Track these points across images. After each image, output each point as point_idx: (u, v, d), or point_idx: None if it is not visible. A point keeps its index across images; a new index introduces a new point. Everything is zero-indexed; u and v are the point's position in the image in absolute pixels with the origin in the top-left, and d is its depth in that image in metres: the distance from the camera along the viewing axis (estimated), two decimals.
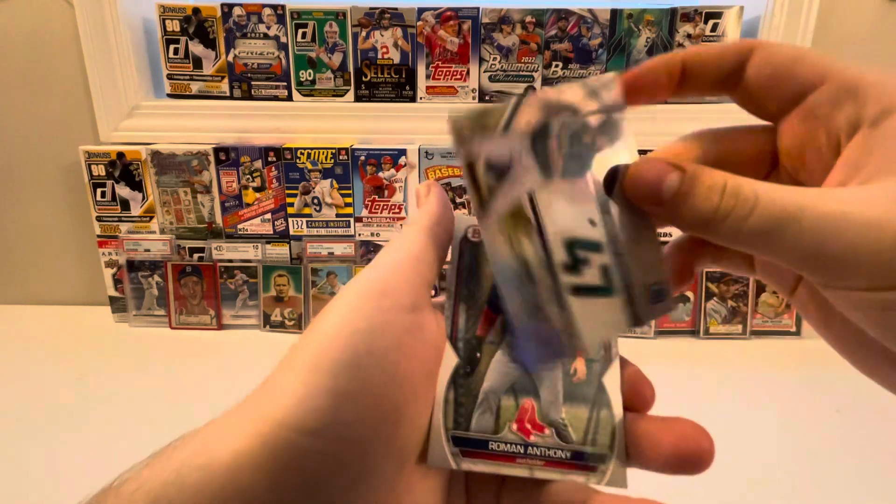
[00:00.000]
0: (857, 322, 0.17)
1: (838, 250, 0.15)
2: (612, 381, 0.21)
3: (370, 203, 0.75)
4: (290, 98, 0.77)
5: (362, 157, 0.74)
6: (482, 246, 0.23)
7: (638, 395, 0.21)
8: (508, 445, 0.20)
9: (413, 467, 0.20)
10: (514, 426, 0.20)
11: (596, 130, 0.20)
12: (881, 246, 0.15)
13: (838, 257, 0.15)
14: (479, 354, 0.21)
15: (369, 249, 0.77)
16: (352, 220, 0.76)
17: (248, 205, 0.76)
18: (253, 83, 0.77)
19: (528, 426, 0.20)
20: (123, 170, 0.75)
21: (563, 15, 0.74)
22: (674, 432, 0.19)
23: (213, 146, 0.74)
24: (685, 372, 0.65)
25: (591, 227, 0.19)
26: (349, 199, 0.75)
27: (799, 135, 0.20)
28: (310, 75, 0.76)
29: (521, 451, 0.20)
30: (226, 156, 0.74)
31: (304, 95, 0.77)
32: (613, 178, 0.20)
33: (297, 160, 0.74)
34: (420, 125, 0.77)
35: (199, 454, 0.16)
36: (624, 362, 0.22)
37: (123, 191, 0.76)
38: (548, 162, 0.19)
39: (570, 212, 0.19)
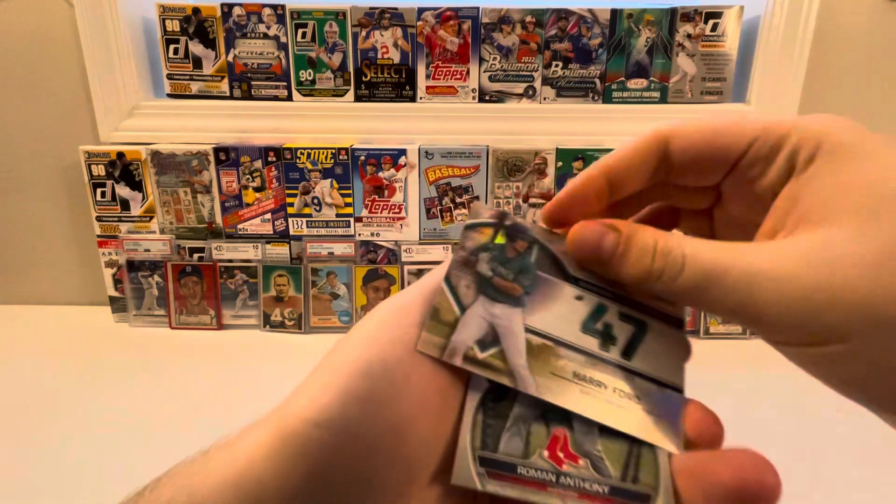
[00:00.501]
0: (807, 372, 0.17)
1: (759, 307, 0.16)
2: None
3: (370, 203, 0.75)
4: (290, 98, 0.77)
5: (362, 157, 0.74)
6: None
7: (705, 432, 0.19)
8: (539, 472, 0.19)
9: (425, 488, 0.19)
10: (545, 453, 0.19)
11: (510, 239, 0.21)
12: (792, 301, 0.15)
13: (761, 314, 0.16)
14: None
15: (369, 249, 0.77)
16: (352, 220, 0.76)
17: (248, 205, 0.76)
18: (253, 83, 0.77)
19: (561, 455, 0.19)
20: (123, 170, 0.75)
21: (563, 15, 0.74)
22: (730, 465, 0.17)
23: (213, 146, 0.74)
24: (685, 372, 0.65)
25: (582, 301, 0.21)
26: (349, 199, 0.75)
27: (738, 191, 0.21)
28: (310, 75, 0.76)
29: (553, 479, 0.19)
30: (226, 156, 0.74)
31: (304, 95, 0.77)
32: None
33: (297, 160, 0.74)
34: (420, 125, 0.77)
35: (227, 446, 0.18)
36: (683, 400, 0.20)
37: (123, 191, 0.76)
38: (508, 296, 0.20)
39: (560, 308, 0.20)
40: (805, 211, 0.17)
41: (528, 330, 0.20)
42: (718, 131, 0.20)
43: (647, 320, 0.21)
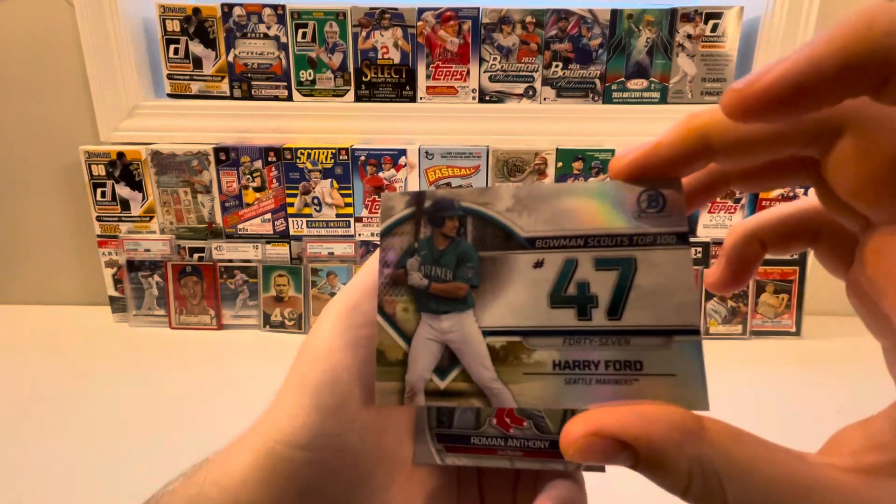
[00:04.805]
0: None
1: None
2: None
3: (370, 203, 0.75)
4: (290, 98, 0.77)
5: (362, 157, 0.74)
6: None
7: None
8: (489, 439, 0.20)
9: (411, 472, 0.21)
10: (494, 421, 0.21)
11: (437, 224, 0.17)
12: None
13: None
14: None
15: (369, 249, 0.77)
16: (352, 220, 0.76)
17: (248, 205, 0.76)
18: (253, 83, 0.77)
19: (507, 420, 0.21)
20: (123, 170, 0.75)
21: (563, 15, 0.74)
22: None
23: (213, 146, 0.74)
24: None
25: (543, 267, 0.16)
26: (349, 199, 0.75)
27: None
28: (310, 75, 0.76)
29: (502, 443, 0.20)
30: (226, 156, 0.74)
31: (305, 95, 0.77)
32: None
33: (297, 160, 0.74)
34: (420, 125, 0.77)
35: (217, 471, 0.18)
36: None
37: (123, 191, 0.76)
38: (453, 300, 0.17)
39: (518, 287, 0.17)
40: None
41: (487, 332, 0.16)
42: None
43: (632, 254, 0.16)
